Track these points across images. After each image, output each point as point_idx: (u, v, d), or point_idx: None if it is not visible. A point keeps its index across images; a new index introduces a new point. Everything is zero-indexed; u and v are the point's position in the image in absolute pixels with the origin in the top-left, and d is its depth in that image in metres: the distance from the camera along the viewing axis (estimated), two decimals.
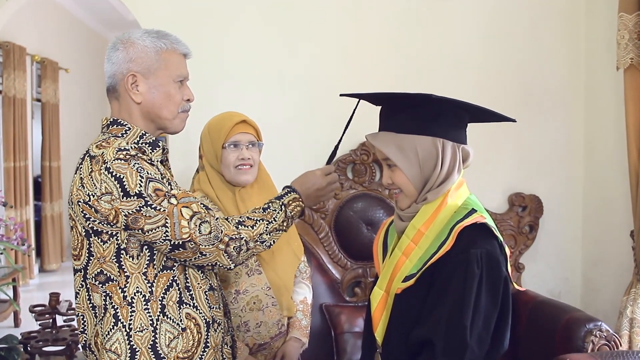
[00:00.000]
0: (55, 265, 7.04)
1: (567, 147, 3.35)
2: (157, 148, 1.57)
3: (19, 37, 6.12)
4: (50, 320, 3.48)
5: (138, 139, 1.54)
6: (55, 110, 7.15)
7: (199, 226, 1.45)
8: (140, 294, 1.48)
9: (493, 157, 3.28)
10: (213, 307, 1.58)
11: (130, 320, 1.48)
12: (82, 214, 1.46)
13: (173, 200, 1.45)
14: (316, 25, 3.12)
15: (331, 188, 1.69)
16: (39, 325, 3.52)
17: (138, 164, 1.43)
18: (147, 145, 1.55)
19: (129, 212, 1.42)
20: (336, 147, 1.70)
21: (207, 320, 1.55)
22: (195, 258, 1.48)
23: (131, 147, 1.48)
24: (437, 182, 1.47)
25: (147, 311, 1.48)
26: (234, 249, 1.49)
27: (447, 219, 1.45)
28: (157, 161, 1.55)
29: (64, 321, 3.61)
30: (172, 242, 1.44)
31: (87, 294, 1.52)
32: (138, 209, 1.42)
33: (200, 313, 1.54)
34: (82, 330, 1.56)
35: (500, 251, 1.43)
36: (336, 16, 3.14)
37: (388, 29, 3.18)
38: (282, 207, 1.60)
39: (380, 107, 1.60)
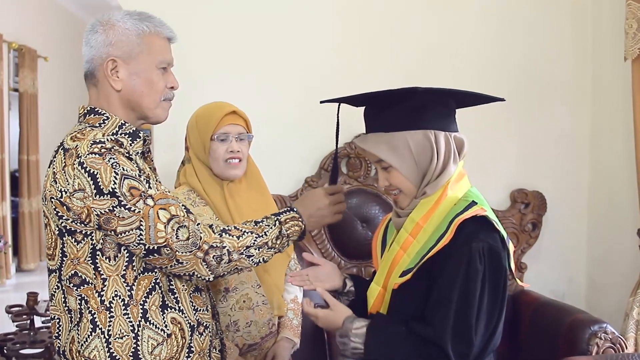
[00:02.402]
0: (33, 264, 7.03)
1: (572, 142, 3.37)
2: (137, 139, 1.52)
3: None
4: (28, 322, 3.47)
5: (117, 129, 1.49)
6: (33, 101, 7.13)
7: (177, 231, 1.40)
8: (119, 297, 1.45)
9: (495, 152, 3.30)
10: (199, 310, 1.56)
11: (109, 326, 1.44)
12: (55, 212, 1.43)
13: (149, 201, 1.40)
14: (310, 11, 3.12)
15: (334, 209, 1.62)
16: (16, 326, 3.51)
17: (114, 158, 1.39)
18: (127, 135, 1.50)
19: (101, 212, 1.38)
20: (335, 164, 1.68)
21: (192, 324, 1.53)
22: (171, 266, 1.43)
23: (107, 140, 1.43)
24: (435, 175, 1.49)
25: (127, 316, 1.45)
26: (213, 258, 1.44)
27: (446, 211, 1.47)
28: (137, 154, 1.51)
29: (43, 322, 3.60)
30: (146, 247, 1.40)
31: (62, 296, 1.48)
32: (111, 209, 1.38)
33: (185, 317, 1.51)
34: (56, 335, 1.52)
35: (502, 245, 1.45)
36: (332, 2, 3.14)
37: (388, 18, 3.18)
38: (277, 223, 1.55)
39: (363, 108, 1.60)
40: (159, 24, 1.54)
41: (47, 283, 1.55)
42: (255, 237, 1.51)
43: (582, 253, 3.42)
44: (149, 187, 1.42)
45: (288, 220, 1.57)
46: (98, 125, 1.49)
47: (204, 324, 1.57)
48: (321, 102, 1.68)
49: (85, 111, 1.53)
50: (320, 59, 3.12)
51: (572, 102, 3.34)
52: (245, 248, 1.48)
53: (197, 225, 1.45)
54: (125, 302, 1.45)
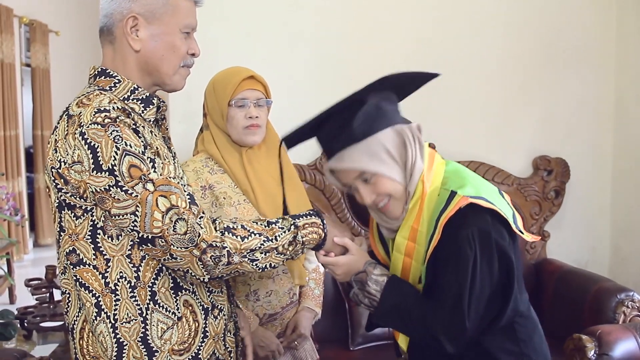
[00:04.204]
0: (50, 239, 7.07)
1: (596, 107, 3.30)
2: (150, 105, 1.42)
3: None
4: (48, 295, 3.49)
5: (128, 94, 1.40)
6: (46, 76, 7.11)
7: (174, 223, 1.29)
8: (125, 279, 1.36)
9: (516, 118, 3.25)
10: (214, 292, 1.48)
11: (115, 310, 1.36)
12: (54, 183, 1.34)
13: (149, 186, 1.29)
14: None
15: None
16: (36, 300, 3.54)
17: (117, 131, 1.28)
18: (139, 101, 1.41)
19: (96, 189, 1.29)
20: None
21: (206, 306, 1.45)
22: (165, 259, 1.33)
23: (113, 107, 1.31)
24: (412, 168, 1.45)
25: (134, 299, 1.36)
26: (211, 258, 1.31)
27: (432, 208, 1.43)
28: (150, 121, 1.42)
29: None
30: (140, 234, 1.30)
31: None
32: (107, 188, 1.28)
33: (197, 299, 1.44)
34: (66, 310, 1.45)
35: (496, 220, 1.41)
36: None
37: None
38: (293, 227, 1.42)
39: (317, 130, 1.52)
40: None
41: None
42: (264, 240, 1.37)
43: (606, 221, 3.38)
44: (153, 169, 1.31)
45: (307, 225, 1.44)
46: (108, 88, 1.39)
47: (219, 307, 1.49)
48: (282, 138, 1.56)
49: (96, 72, 1.43)
50: (335, 25, 3.06)
51: (596, 66, 3.28)
52: (249, 251, 1.35)
53: (200, 219, 1.32)
54: (132, 284, 1.36)
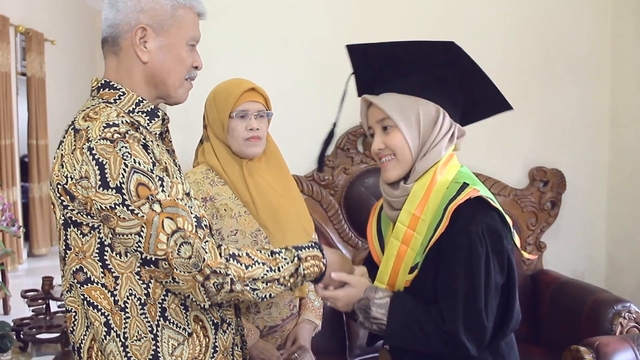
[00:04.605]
0: (44, 249, 7.05)
1: (593, 118, 3.32)
2: (155, 118, 1.39)
3: (1, 6, 6.06)
4: (44, 306, 3.46)
5: (133, 106, 1.37)
6: (41, 85, 7.11)
7: (179, 246, 1.26)
8: (135, 297, 1.33)
9: (512, 128, 3.25)
10: (223, 306, 1.45)
11: (125, 328, 1.34)
12: (59, 200, 1.32)
13: (156, 207, 1.26)
14: None
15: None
16: (32, 311, 3.50)
17: (126, 147, 1.26)
18: (144, 114, 1.38)
19: (101, 207, 1.27)
20: (330, 136, 1.65)
21: (216, 321, 1.43)
22: (166, 282, 1.30)
23: (122, 122, 1.29)
24: (430, 148, 1.47)
25: (144, 316, 1.34)
26: (214, 284, 1.29)
27: (440, 198, 1.44)
28: (155, 134, 1.39)
29: (59, 307, 3.60)
30: (143, 255, 1.28)
31: None
32: (112, 206, 1.26)
33: (207, 314, 1.42)
34: (72, 330, 1.42)
35: (502, 222, 1.43)
36: None
37: None
38: (296, 259, 1.41)
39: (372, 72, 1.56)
40: None
41: (59, 268, 1.45)
42: (267, 270, 1.35)
43: (602, 231, 3.39)
44: (162, 189, 1.28)
45: (309, 257, 1.43)
46: (113, 101, 1.36)
47: (227, 321, 1.47)
48: (347, 46, 1.61)
49: (99, 85, 1.40)
50: (332, 31, 3.05)
51: (592, 78, 3.29)
52: (251, 280, 1.33)
53: (205, 243, 1.30)
54: (142, 301, 1.34)
